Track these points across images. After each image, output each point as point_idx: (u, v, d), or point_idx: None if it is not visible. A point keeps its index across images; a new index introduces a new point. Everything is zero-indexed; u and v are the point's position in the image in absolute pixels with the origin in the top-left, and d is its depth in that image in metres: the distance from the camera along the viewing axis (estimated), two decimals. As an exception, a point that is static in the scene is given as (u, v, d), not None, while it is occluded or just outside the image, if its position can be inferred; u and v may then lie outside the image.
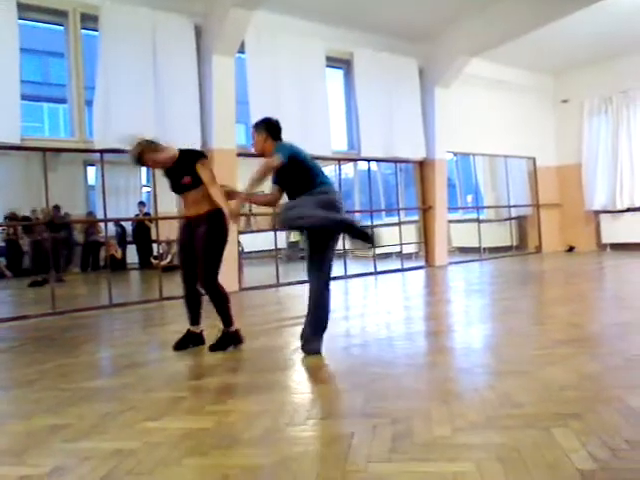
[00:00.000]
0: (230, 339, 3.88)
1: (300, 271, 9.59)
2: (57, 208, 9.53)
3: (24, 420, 2.62)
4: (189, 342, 3.94)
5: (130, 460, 2.08)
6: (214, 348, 3.82)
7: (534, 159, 11.55)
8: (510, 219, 11.76)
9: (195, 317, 3.95)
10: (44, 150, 6.29)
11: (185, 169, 3.76)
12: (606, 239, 10.89)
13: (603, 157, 10.82)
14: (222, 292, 3.85)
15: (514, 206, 11.60)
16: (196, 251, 3.78)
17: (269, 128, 3.70)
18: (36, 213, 10.57)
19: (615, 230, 10.71)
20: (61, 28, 6.50)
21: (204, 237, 3.74)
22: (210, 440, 2.26)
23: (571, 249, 11.43)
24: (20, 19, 5.97)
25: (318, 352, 3.59)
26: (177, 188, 3.86)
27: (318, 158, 8.42)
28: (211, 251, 3.77)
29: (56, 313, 6.00)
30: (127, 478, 1.95)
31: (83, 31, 6.48)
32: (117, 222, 11.91)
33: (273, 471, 1.96)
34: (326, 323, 3.64)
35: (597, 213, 11.00)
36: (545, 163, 11.67)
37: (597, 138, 10.93)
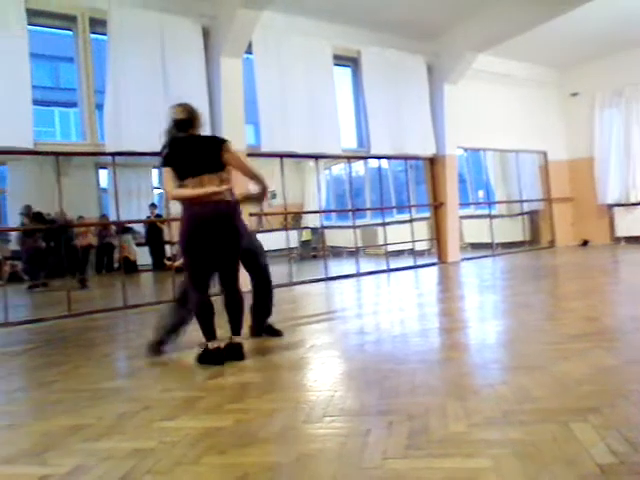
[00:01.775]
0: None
1: (313, 269, 9.64)
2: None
3: (44, 421, 2.66)
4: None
5: (149, 459, 2.11)
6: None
7: (545, 153, 11.45)
8: (522, 214, 11.67)
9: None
10: (57, 154, 6.35)
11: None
12: (620, 232, 10.78)
13: (615, 150, 10.68)
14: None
15: (526, 201, 11.52)
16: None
17: None
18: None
19: (629, 223, 10.60)
20: (70, 33, 6.56)
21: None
22: (228, 439, 2.27)
23: (585, 243, 11.32)
24: (30, 25, 6.03)
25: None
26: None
27: (328, 157, 8.55)
28: None
29: (72, 315, 6.07)
30: (146, 477, 1.97)
31: (92, 35, 6.53)
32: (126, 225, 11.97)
33: (291, 469, 1.97)
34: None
35: (610, 207, 10.89)
36: (556, 157, 11.56)
37: (609, 131, 10.80)
